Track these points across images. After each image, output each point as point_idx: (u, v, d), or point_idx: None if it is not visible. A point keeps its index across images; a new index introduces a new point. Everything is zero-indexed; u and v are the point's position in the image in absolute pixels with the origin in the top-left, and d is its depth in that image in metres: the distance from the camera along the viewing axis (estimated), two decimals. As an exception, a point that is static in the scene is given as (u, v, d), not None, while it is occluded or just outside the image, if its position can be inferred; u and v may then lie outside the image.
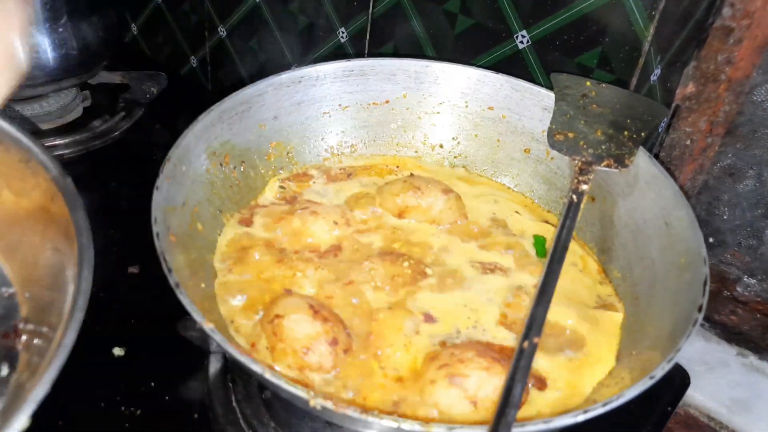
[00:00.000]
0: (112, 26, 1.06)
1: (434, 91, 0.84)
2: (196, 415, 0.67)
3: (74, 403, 0.68)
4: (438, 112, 0.85)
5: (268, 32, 1.18)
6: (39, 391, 0.45)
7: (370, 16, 1.01)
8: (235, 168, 0.72)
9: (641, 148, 0.71)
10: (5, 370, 0.59)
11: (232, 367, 0.70)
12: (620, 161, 0.68)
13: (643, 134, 0.71)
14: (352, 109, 0.82)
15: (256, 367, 0.45)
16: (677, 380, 0.83)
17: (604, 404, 0.46)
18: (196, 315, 0.48)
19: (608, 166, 0.68)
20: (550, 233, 0.76)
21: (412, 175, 0.78)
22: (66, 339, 0.48)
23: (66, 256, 0.55)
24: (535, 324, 0.49)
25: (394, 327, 0.59)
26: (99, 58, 1.06)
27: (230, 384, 0.69)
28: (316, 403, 0.43)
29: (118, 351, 0.72)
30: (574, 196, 0.63)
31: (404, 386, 0.55)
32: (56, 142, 1.03)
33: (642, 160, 0.71)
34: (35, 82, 1.00)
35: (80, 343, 0.72)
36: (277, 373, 0.45)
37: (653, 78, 0.84)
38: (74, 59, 1.01)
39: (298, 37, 1.13)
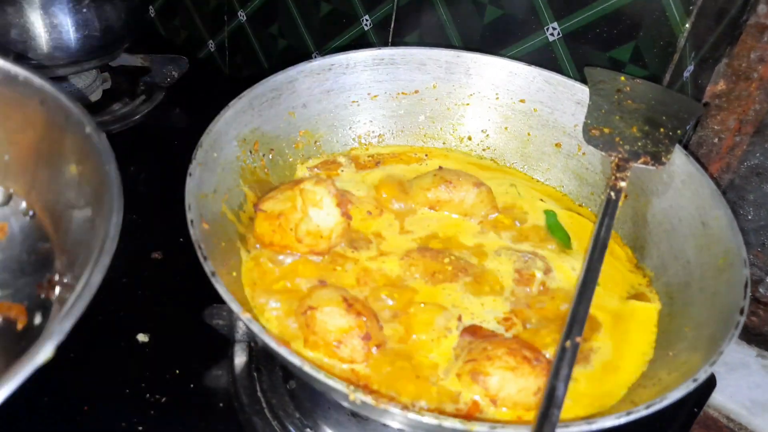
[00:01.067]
0: (134, 9, 1.04)
1: (465, 82, 0.82)
2: (221, 404, 0.66)
3: (99, 388, 0.67)
4: (468, 104, 0.83)
5: (289, 18, 1.16)
6: (66, 323, 0.46)
7: (395, 4, 1.00)
8: (264, 156, 0.71)
9: (677, 146, 0.70)
10: (38, 319, 0.61)
11: (258, 357, 0.69)
12: (657, 159, 0.67)
13: (679, 131, 0.70)
14: (381, 99, 0.81)
15: (294, 359, 0.44)
16: (703, 382, 0.82)
17: (647, 406, 0.45)
18: (234, 305, 0.47)
19: (645, 163, 0.66)
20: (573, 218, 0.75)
21: (440, 168, 0.76)
22: (93, 279, 0.49)
23: (99, 212, 0.56)
24: (576, 322, 0.49)
25: (428, 324, 0.58)
26: (121, 41, 1.04)
27: (255, 374, 0.68)
28: (357, 398, 0.42)
29: (142, 337, 0.71)
30: (612, 193, 0.62)
31: (434, 380, 0.55)
32: (76, 124, 1.03)
33: (678, 157, 0.70)
34: (57, 63, 0.99)
35: (104, 328, 0.72)
36: (317, 366, 0.44)
37: (686, 74, 0.82)
38: (96, 41, 0.99)
39: (319, 24, 1.12)
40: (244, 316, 0.46)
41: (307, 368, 0.43)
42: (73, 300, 0.48)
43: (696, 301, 0.61)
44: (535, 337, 0.58)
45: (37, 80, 0.63)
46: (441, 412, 0.47)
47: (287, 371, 0.68)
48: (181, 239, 0.83)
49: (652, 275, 0.70)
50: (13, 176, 0.68)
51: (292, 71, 0.73)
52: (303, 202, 0.60)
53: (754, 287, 1.00)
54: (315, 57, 1.16)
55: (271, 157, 0.73)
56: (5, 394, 0.43)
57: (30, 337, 0.58)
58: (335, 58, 0.76)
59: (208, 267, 0.50)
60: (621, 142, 0.68)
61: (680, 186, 0.69)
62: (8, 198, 0.68)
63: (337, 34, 1.10)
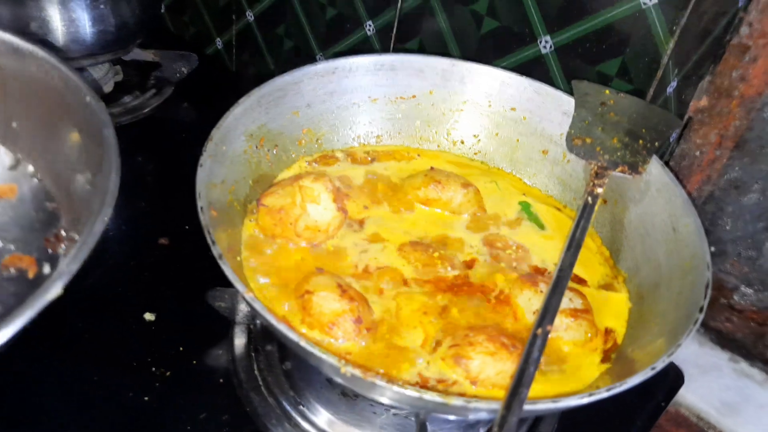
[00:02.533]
0: (147, 6, 1.07)
1: (459, 89, 0.86)
2: (221, 380, 0.71)
3: (108, 361, 0.72)
4: (462, 110, 0.87)
5: (295, 20, 1.19)
6: (72, 266, 0.52)
7: (398, 12, 1.04)
8: (269, 150, 0.75)
9: (654, 156, 0.75)
10: (47, 269, 0.67)
11: (256, 338, 0.73)
12: (634, 168, 0.71)
13: (656, 144, 0.74)
14: (380, 102, 0.85)
15: (292, 335, 0.48)
16: (671, 378, 0.86)
17: (609, 389, 0.49)
18: (238, 285, 0.52)
19: (622, 171, 0.71)
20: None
21: (432, 168, 0.81)
22: (96, 227, 0.54)
23: (99, 173, 0.62)
24: (548, 313, 0.53)
25: (413, 312, 0.63)
26: (134, 36, 1.08)
27: (253, 354, 0.72)
28: (347, 370, 0.47)
29: (149, 316, 0.76)
30: (590, 198, 0.66)
31: (419, 360, 0.59)
32: (89, 115, 1.06)
33: (655, 167, 0.74)
34: (72, 56, 1.02)
35: (114, 306, 0.76)
36: (314, 341, 0.48)
37: (669, 90, 0.86)
38: (111, 35, 1.02)
39: (324, 28, 1.15)
40: (248, 295, 0.51)
41: (304, 343, 0.48)
42: (79, 246, 0.53)
43: (663, 300, 0.65)
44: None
45: (41, 53, 0.69)
46: (423, 387, 0.52)
47: (283, 352, 0.73)
48: (187, 227, 0.88)
49: (626, 276, 0.74)
50: (21, 143, 0.75)
51: (298, 73, 0.77)
52: (302, 198, 0.65)
53: (728, 295, 1.02)
54: (319, 59, 1.19)
55: (275, 152, 0.77)
56: (19, 325, 0.48)
57: (40, 284, 0.61)
58: (339, 62, 0.80)
59: (216, 250, 0.54)
60: (601, 152, 0.73)
61: (655, 194, 0.74)
62: (16, 162, 0.75)
63: (341, 38, 1.14)
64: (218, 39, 1.37)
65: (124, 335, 0.74)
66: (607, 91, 0.80)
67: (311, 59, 1.19)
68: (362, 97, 0.84)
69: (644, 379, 0.51)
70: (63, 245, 0.68)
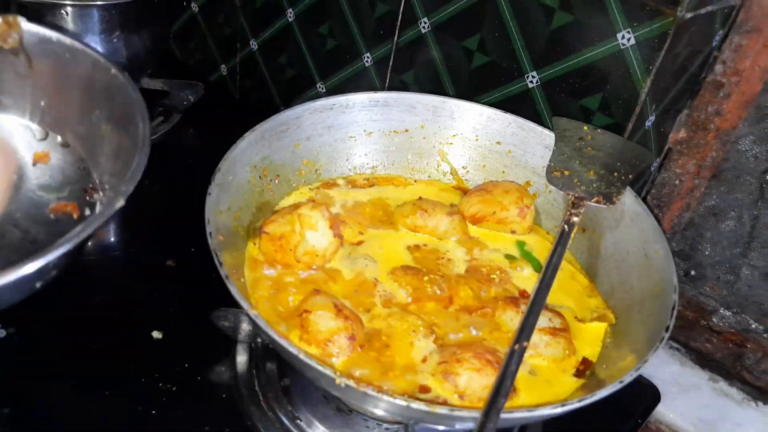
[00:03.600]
0: (158, 39, 1.12)
1: (449, 124, 0.92)
2: (224, 395, 0.75)
3: (118, 376, 0.76)
4: (451, 143, 0.93)
5: (297, 50, 1.25)
6: (130, 185, 0.65)
7: (394, 45, 1.09)
8: (271, 180, 0.81)
9: (628, 188, 0.80)
10: (88, 212, 0.79)
11: (257, 356, 0.78)
12: (609, 198, 0.77)
13: (630, 176, 0.80)
14: (375, 135, 0.91)
15: (292, 349, 0.53)
16: (649, 396, 0.91)
17: (580, 400, 0.54)
18: (243, 303, 0.57)
19: (598, 202, 0.76)
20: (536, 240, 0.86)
21: (420, 198, 0.86)
22: (136, 171, 0.67)
23: (127, 133, 0.74)
24: (525, 330, 0.58)
25: (404, 331, 0.68)
26: (145, 67, 1.13)
27: (254, 371, 0.77)
28: (341, 381, 0.52)
29: (156, 334, 0.80)
30: (566, 226, 0.72)
31: (408, 376, 0.64)
32: (100, 142, 1.11)
33: (629, 198, 0.80)
34: None
35: (123, 324, 0.81)
36: (312, 355, 0.53)
37: (648, 124, 0.91)
38: (123, 67, 1.06)
39: (325, 58, 1.21)
40: (252, 312, 0.56)
41: (302, 356, 0.53)
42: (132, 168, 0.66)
43: (634, 321, 0.70)
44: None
45: (67, 40, 0.79)
46: (411, 398, 0.57)
47: (282, 369, 0.78)
48: (193, 249, 0.92)
49: (602, 299, 0.79)
50: (49, 119, 0.84)
51: (299, 109, 0.82)
52: (301, 225, 0.70)
53: (708, 317, 1.07)
54: (319, 87, 1.25)
55: (277, 181, 0.82)
56: (91, 229, 0.58)
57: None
58: (337, 99, 0.86)
59: (223, 271, 0.60)
60: (578, 183, 0.78)
61: (629, 223, 0.79)
62: (46, 134, 0.84)
63: (340, 68, 1.19)
64: (223, 66, 1.42)
65: (133, 352, 0.78)
66: (585, 127, 0.85)
67: (312, 87, 1.25)
68: (358, 130, 0.89)
69: (612, 392, 0.56)
70: (99, 193, 0.79)
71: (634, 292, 0.73)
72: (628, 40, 0.83)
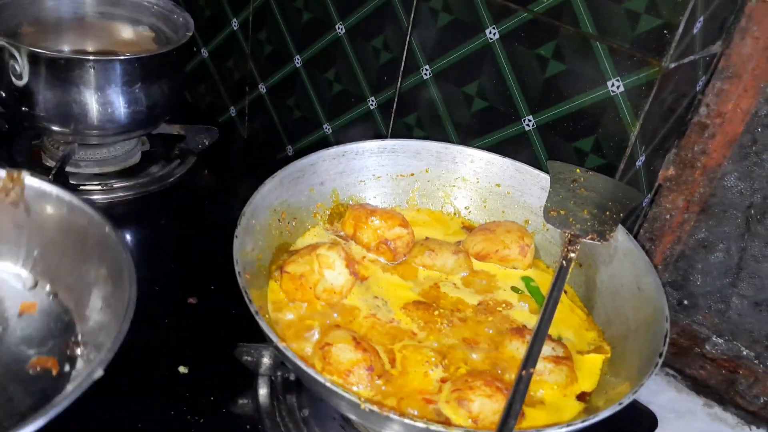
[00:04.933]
0: (176, 88, 1.16)
1: (451, 168, 0.97)
2: (248, 426, 0.79)
3: (149, 409, 0.80)
4: (454, 186, 0.98)
5: (304, 94, 1.30)
6: (109, 354, 0.65)
7: (397, 90, 1.14)
8: (288, 223, 0.86)
9: (620, 226, 0.85)
10: (67, 368, 0.78)
11: (277, 389, 0.83)
12: (602, 236, 0.82)
13: (621, 214, 0.85)
14: (383, 179, 0.96)
15: (319, 378, 0.58)
16: (646, 422, 0.94)
17: (583, 421, 0.59)
18: (273, 336, 0.61)
19: (592, 239, 0.81)
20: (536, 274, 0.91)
21: (427, 238, 0.91)
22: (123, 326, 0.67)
23: (115, 291, 0.76)
24: (531, 358, 0.63)
25: (418, 362, 0.73)
26: (163, 115, 1.17)
27: (275, 402, 0.81)
28: (366, 406, 0.56)
29: (182, 369, 0.84)
30: (564, 262, 0.77)
31: (423, 403, 0.69)
32: (120, 185, 1.15)
33: (621, 235, 0.85)
34: (107, 133, 1.11)
35: (152, 360, 0.85)
36: (337, 383, 0.58)
37: (638, 163, 0.96)
38: (143, 115, 1.11)
39: (331, 101, 1.26)
40: (282, 345, 0.60)
41: (329, 384, 0.58)
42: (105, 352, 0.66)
43: (630, 349, 0.75)
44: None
45: (67, 195, 0.83)
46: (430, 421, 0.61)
47: (301, 401, 0.82)
48: (212, 287, 0.97)
49: (600, 330, 0.84)
50: (40, 267, 0.86)
51: (314, 156, 0.88)
52: (319, 265, 0.76)
53: (701, 344, 1.08)
54: (326, 129, 1.30)
55: (294, 223, 0.88)
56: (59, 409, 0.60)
57: (63, 380, 0.76)
58: (348, 147, 0.92)
59: (252, 308, 0.64)
60: (573, 222, 0.84)
61: (622, 258, 0.84)
62: (35, 283, 0.86)
63: (346, 111, 1.24)
64: (232, 108, 1.47)
65: (162, 386, 0.82)
66: (578, 170, 0.91)
67: (319, 128, 1.30)
68: (368, 175, 0.95)
69: (612, 413, 0.61)
70: (80, 348, 0.80)
71: (630, 322, 0.78)
72: (618, 87, 0.88)
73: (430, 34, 1.06)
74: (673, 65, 0.86)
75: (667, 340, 0.69)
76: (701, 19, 0.85)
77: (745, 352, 1.06)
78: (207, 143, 1.25)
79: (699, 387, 1.10)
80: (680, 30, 0.82)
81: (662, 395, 1.07)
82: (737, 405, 1.08)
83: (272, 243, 0.82)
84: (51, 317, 0.83)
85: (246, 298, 0.65)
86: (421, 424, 0.55)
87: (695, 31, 0.85)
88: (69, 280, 0.83)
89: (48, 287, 0.85)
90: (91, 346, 0.77)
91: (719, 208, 1.01)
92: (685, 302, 1.08)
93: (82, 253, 0.81)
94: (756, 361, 1.05)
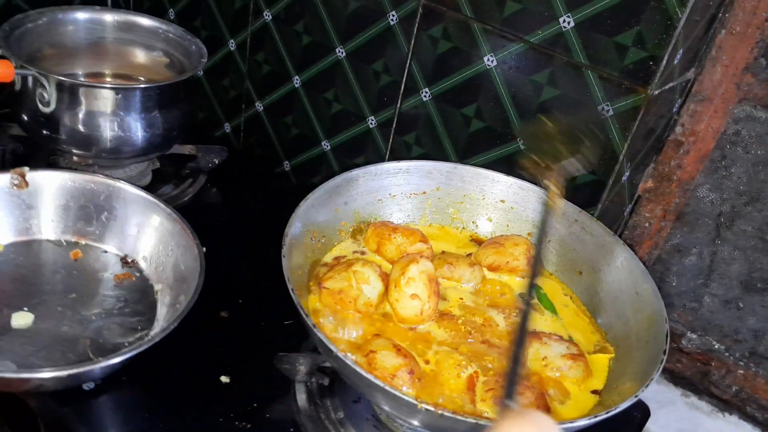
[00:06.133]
0: (190, 112, 1.20)
1: (460, 186, 1.04)
2: (291, 429, 0.86)
3: (200, 418, 0.86)
4: (462, 202, 1.05)
5: (302, 112, 1.34)
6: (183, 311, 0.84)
7: (397, 110, 1.20)
8: (318, 240, 0.93)
9: (618, 239, 0.93)
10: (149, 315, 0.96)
11: (313, 394, 0.89)
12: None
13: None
14: (398, 198, 1.02)
15: (378, 383, 0.65)
16: (640, 413, 1.03)
17: (607, 412, 0.67)
18: (331, 346, 0.68)
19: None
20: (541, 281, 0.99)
21: (443, 252, 0.98)
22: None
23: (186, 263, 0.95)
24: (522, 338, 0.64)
25: (450, 366, 0.81)
26: (178, 137, 1.21)
27: (312, 406, 0.88)
28: (422, 406, 0.64)
29: (224, 378, 0.90)
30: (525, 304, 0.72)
31: (459, 401, 0.77)
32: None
33: (618, 246, 0.93)
34: (124, 156, 1.15)
35: (196, 372, 0.91)
36: (395, 387, 0.66)
37: (624, 178, 1.04)
38: (158, 138, 1.14)
39: (330, 120, 1.31)
40: (342, 353, 0.67)
41: (388, 388, 0.65)
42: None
43: (633, 348, 0.83)
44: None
45: (162, 205, 1.02)
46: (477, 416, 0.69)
47: (335, 404, 0.89)
48: (240, 300, 1.03)
49: (603, 333, 0.92)
50: (134, 252, 1.01)
51: (339, 179, 0.94)
52: (356, 281, 0.83)
53: (677, 340, 1.17)
54: (324, 146, 1.34)
55: (323, 240, 0.94)
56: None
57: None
58: (368, 169, 0.98)
59: (309, 321, 0.71)
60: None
61: (620, 266, 0.92)
62: (131, 262, 1.01)
63: (345, 129, 1.29)
64: (227, 124, 1.50)
65: (208, 395, 0.88)
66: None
67: (317, 144, 1.35)
68: (384, 194, 1.01)
69: (629, 405, 0.69)
70: (159, 304, 0.97)
71: (630, 324, 0.86)
72: (608, 111, 0.96)
73: (429, 59, 1.13)
74: (657, 92, 0.94)
75: (668, 338, 0.78)
76: (681, 51, 0.94)
77: (716, 346, 1.15)
78: (217, 162, 1.28)
79: (676, 379, 1.19)
80: (664, 62, 0.91)
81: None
82: (711, 394, 1.17)
83: (308, 260, 0.89)
84: (140, 283, 1.00)
85: (302, 313, 0.72)
86: (471, 419, 0.63)
87: (675, 61, 0.95)
88: (155, 261, 1.01)
89: (141, 263, 1.02)
90: (168, 307, 0.94)
91: (692, 216, 1.10)
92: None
93: (163, 240, 0.99)
94: (727, 354, 1.15)
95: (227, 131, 1.52)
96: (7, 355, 0.83)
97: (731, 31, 0.99)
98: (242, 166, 1.40)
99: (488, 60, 1.07)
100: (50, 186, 0.99)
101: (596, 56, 0.96)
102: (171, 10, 1.49)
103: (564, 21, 0.97)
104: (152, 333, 0.89)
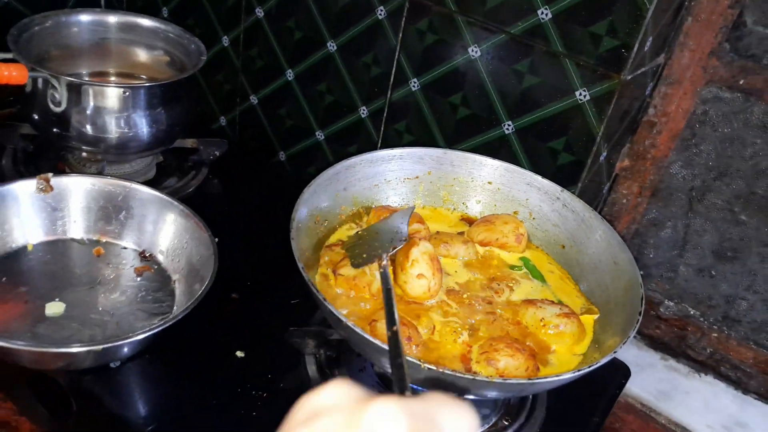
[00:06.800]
0: (192, 108, 1.26)
1: (450, 170, 1.11)
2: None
3: (219, 389, 0.93)
4: (452, 185, 1.12)
5: (296, 104, 1.40)
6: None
7: (387, 100, 1.26)
8: (320, 224, 1.00)
9: (595, 213, 1.01)
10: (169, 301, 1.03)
11: (322, 365, 0.97)
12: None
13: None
14: (393, 182, 1.09)
15: (382, 345, 0.71)
16: (621, 372, 1.11)
17: (589, 366, 0.75)
18: (344, 319, 0.75)
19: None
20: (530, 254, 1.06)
21: (438, 232, 1.05)
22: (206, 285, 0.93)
23: (201, 258, 1.02)
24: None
25: (448, 332, 0.88)
26: (181, 132, 1.25)
27: (321, 375, 0.96)
28: (425, 366, 0.71)
29: (239, 353, 0.97)
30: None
31: (457, 363, 0.84)
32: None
33: (596, 220, 1.00)
34: (131, 152, 1.21)
35: (212, 348, 0.98)
36: (408, 350, 0.73)
37: (602, 158, 1.11)
38: (163, 133, 1.19)
39: (323, 111, 1.37)
40: (352, 323, 0.74)
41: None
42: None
43: (613, 311, 0.91)
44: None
45: (175, 203, 1.08)
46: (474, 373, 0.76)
47: (342, 373, 0.97)
48: (249, 283, 1.10)
49: (586, 298, 1.00)
50: (152, 246, 1.08)
51: (339, 166, 1.01)
52: (369, 269, 0.89)
53: (656, 308, 1.24)
54: (318, 135, 1.39)
55: (325, 224, 1.01)
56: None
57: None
58: (364, 156, 1.04)
59: (320, 296, 0.78)
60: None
61: (599, 239, 1.00)
62: (149, 256, 1.07)
63: (338, 119, 1.35)
64: (222, 117, 1.56)
65: (226, 369, 0.95)
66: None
67: (311, 135, 1.41)
68: (380, 180, 1.08)
69: (610, 359, 0.77)
70: (176, 290, 1.05)
71: (610, 290, 0.94)
72: (584, 96, 1.03)
73: (417, 51, 1.19)
74: (629, 77, 1.01)
75: (644, 301, 0.85)
76: (651, 38, 1.01)
77: (692, 312, 1.21)
78: (218, 154, 1.33)
79: (656, 344, 1.26)
80: (635, 49, 0.98)
81: (626, 353, 1.20)
82: (688, 357, 1.23)
83: (312, 242, 0.96)
84: (158, 274, 1.08)
85: (313, 289, 0.79)
86: (469, 376, 0.71)
87: (646, 48, 1.02)
88: (173, 254, 1.09)
89: (159, 257, 1.10)
90: (185, 294, 1.02)
91: (666, 192, 1.15)
92: (641, 273, 1.23)
93: (179, 234, 1.07)
94: (701, 319, 1.22)
95: (222, 124, 1.57)
96: (45, 339, 0.92)
97: (697, 18, 1.05)
98: (240, 157, 1.45)
99: (472, 51, 1.13)
100: (73, 189, 1.08)
101: (572, 45, 1.03)
102: (164, 8, 1.54)
103: (542, 13, 1.03)
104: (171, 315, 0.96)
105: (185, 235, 1.05)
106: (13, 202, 1.04)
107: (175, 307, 1.00)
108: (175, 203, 1.07)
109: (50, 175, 1.05)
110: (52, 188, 1.05)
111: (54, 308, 0.97)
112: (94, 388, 0.89)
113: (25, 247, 1.06)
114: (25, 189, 1.04)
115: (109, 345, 0.83)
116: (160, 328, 0.86)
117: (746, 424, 1.15)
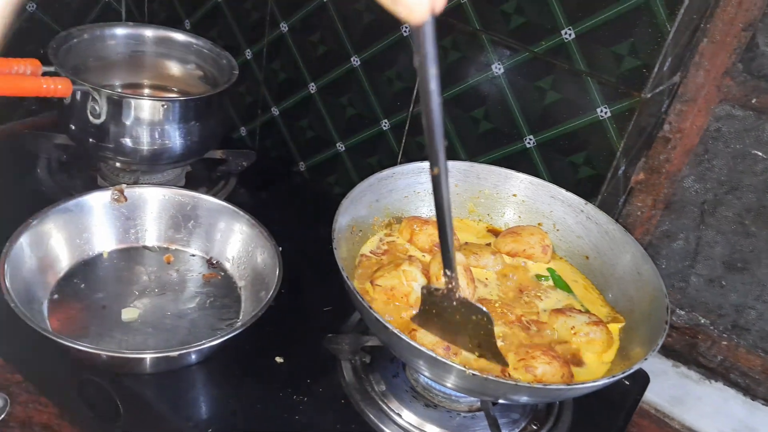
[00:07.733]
0: (223, 121, 1.28)
1: (476, 182, 1.13)
2: (342, 400, 0.96)
3: (264, 393, 0.95)
4: (478, 197, 1.15)
5: (318, 116, 1.42)
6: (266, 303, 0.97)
7: (410, 113, 1.29)
8: (355, 234, 1.03)
9: (621, 226, 1.04)
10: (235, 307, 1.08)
11: (357, 370, 1.00)
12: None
13: None
14: (422, 194, 1.11)
15: (430, 353, 0.75)
16: (641, 379, 1.14)
17: (623, 372, 0.78)
18: (390, 327, 0.78)
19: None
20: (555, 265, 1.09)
21: (466, 243, 1.08)
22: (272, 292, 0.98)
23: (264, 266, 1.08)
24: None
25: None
26: (213, 144, 1.28)
27: (357, 380, 0.99)
28: (470, 372, 0.74)
29: (279, 359, 1.00)
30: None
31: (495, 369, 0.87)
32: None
33: (620, 233, 1.03)
34: (164, 162, 1.23)
35: (252, 353, 1.01)
36: (449, 357, 0.76)
37: (620, 172, 1.14)
38: (195, 146, 1.22)
39: (345, 123, 1.39)
40: (396, 330, 0.77)
41: (440, 357, 0.75)
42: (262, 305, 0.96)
43: (638, 321, 0.94)
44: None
45: (241, 212, 1.14)
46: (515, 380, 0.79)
47: (377, 378, 0.99)
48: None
49: (611, 307, 1.03)
50: (219, 254, 1.16)
51: (372, 179, 1.04)
52: (406, 279, 0.93)
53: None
54: (339, 147, 1.42)
55: (360, 234, 1.04)
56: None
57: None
58: (396, 169, 1.07)
59: (365, 303, 0.81)
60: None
61: (623, 250, 1.02)
62: (216, 263, 1.15)
63: (359, 131, 1.37)
64: (243, 128, 1.58)
65: (267, 374, 0.98)
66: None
67: (332, 146, 1.44)
68: (410, 191, 1.10)
69: (641, 364, 0.80)
70: (242, 297, 1.11)
71: (634, 300, 0.97)
72: (606, 113, 1.06)
73: (441, 67, 1.17)
74: (649, 95, 1.04)
75: (669, 310, 0.89)
76: (669, 59, 1.06)
77: (702, 321, 1.23)
78: (246, 165, 1.35)
79: (668, 352, 1.27)
80: (656, 69, 1.01)
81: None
82: (699, 364, 1.25)
83: (349, 251, 1.00)
84: (227, 280, 1.14)
85: (358, 297, 0.82)
86: (511, 381, 0.75)
87: (665, 68, 1.06)
88: (236, 261, 1.15)
89: (226, 265, 1.15)
90: (250, 300, 1.08)
91: (679, 205, 1.17)
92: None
93: (245, 243, 1.13)
94: (712, 328, 1.23)
95: (243, 134, 1.60)
96: (122, 344, 0.97)
97: (712, 39, 1.08)
98: (263, 167, 1.47)
99: (495, 68, 1.16)
100: (145, 199, 1.13)
101: (595, 64, 1.06)
102: (187, 20, 1.57)
103: (566, 33, 1.07)
104: (240, 322, 1.03)
105: (250, 243, 1.10)
106: (90, 212, 1.09)
107: (241, 313, 1.05)
108: (241, 213, 1.12)
109: (124, 186, 1.11)
110: (125, 198, 1.11)
111: (130, 314, 1.02)
112: (142, 393, 0.92)
113: (101, 255, 1.11)
114: (100, 199, 1.10)
115: (184, 350, 0.89)
116: (234, 334, 0.90)
117: (755, 429, 1.17)
